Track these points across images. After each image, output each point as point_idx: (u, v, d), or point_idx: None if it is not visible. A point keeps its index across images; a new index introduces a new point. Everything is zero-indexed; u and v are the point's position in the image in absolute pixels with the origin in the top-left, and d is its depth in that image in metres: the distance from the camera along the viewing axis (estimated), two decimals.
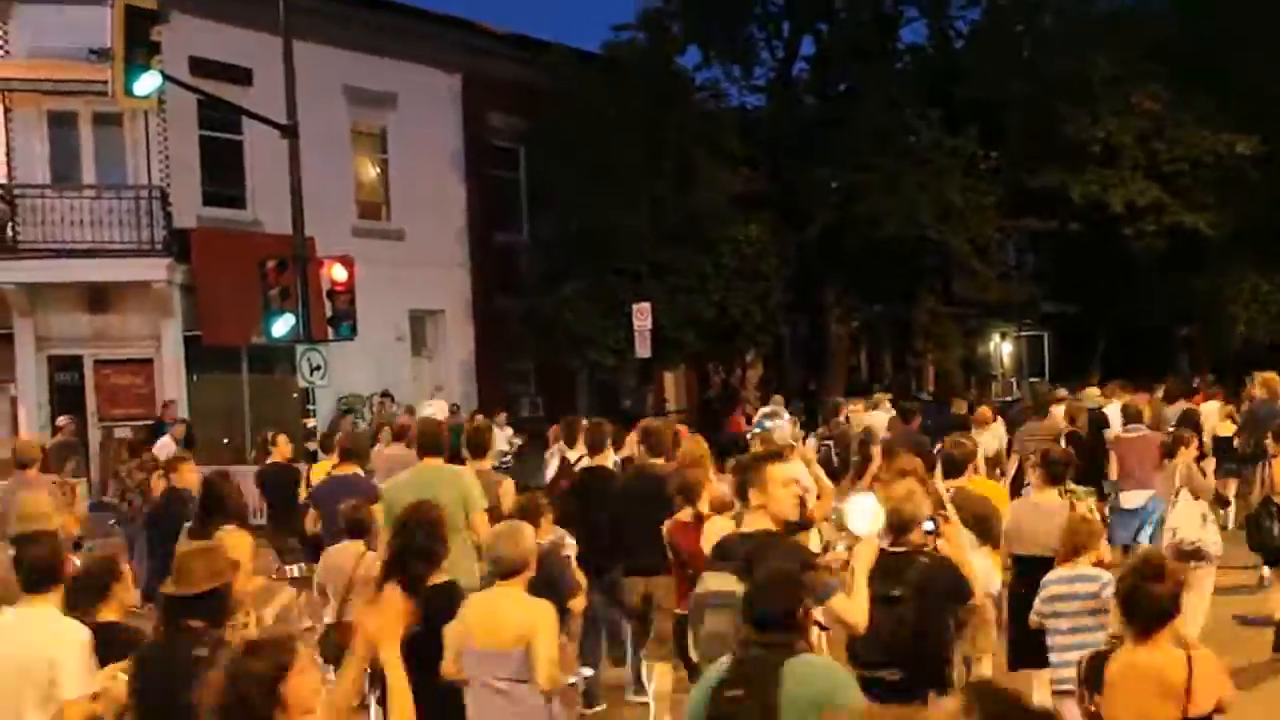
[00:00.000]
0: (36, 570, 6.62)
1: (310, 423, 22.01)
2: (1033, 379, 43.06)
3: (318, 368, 21.64)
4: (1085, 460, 14.18)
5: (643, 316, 28.14)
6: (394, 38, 30.75)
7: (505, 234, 33.80)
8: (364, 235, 29.14)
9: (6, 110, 25.26)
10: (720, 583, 6.76)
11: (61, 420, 23.77)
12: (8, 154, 25.25)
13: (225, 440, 25.52)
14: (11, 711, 6.29)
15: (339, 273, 21.33)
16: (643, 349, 28.35)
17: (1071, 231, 39.89)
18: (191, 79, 23.52)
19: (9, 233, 24.89)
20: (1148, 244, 39.44)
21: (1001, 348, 50.54)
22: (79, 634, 6.32)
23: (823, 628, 7.32)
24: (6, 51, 25.31)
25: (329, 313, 21.51)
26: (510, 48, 33.95)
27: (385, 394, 28.24)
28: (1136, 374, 29.15)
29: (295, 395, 22.93)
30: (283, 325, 20.92)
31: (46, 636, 6.38)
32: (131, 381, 26.59)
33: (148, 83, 18.90)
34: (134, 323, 26.34)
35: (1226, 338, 45.38)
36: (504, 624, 6.87)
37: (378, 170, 31.64)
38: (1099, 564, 8.59)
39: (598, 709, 11.35)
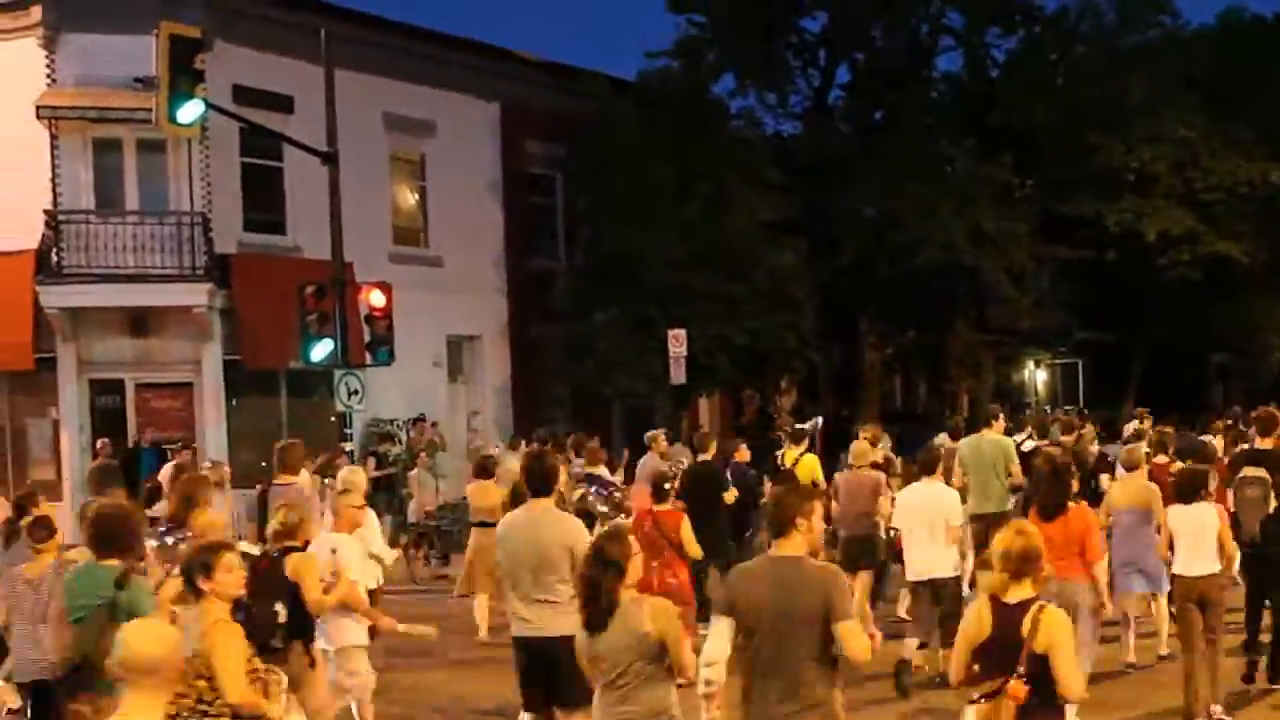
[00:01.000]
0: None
1: (348, 446, 22.12)
2: (1067, 407, 42.93)
3: (355, 392, 21.81)
4: None
5: (678, 343, 28.24)
6: (433, 66, 30.93)
7: (542, 260, 33.91)
8: (402, 261, 29.30)
9: (53, 137, 25.52)
10: (1254, 472, 12.71)
11: (100, 443, 24.05)
12: (53, 180, 25.51)
13: (263, 463, 25.59)
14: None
15: (377, 298, 21.52)
16: (678, 375, 28.44)
17: (1106, 259, 39.82)
18: (234, 107, 23.82)
19: (54, 258, 25.16)
20: (1182, 273, 39.36)
21: (1035, 375, 50.40)
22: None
23: None
24: (53, 80, 25.59)
25: (367, 338, 21.70)
26: (548, 76, 34.11)
27: (420, 418, 28.31)
28: (1171, 402, 29.11)
29: (333, 419, 23.05)
30: (321, 350, 21.10)
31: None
32: (171, 405, 26.80)
33: (191, 110, 19.15)
34: (175, 347, 26.56)
35: (1262, 366, 45.22)
36: (1138, 495, 13.16)
37: (416, 197, 31.79)
38: None
39: None
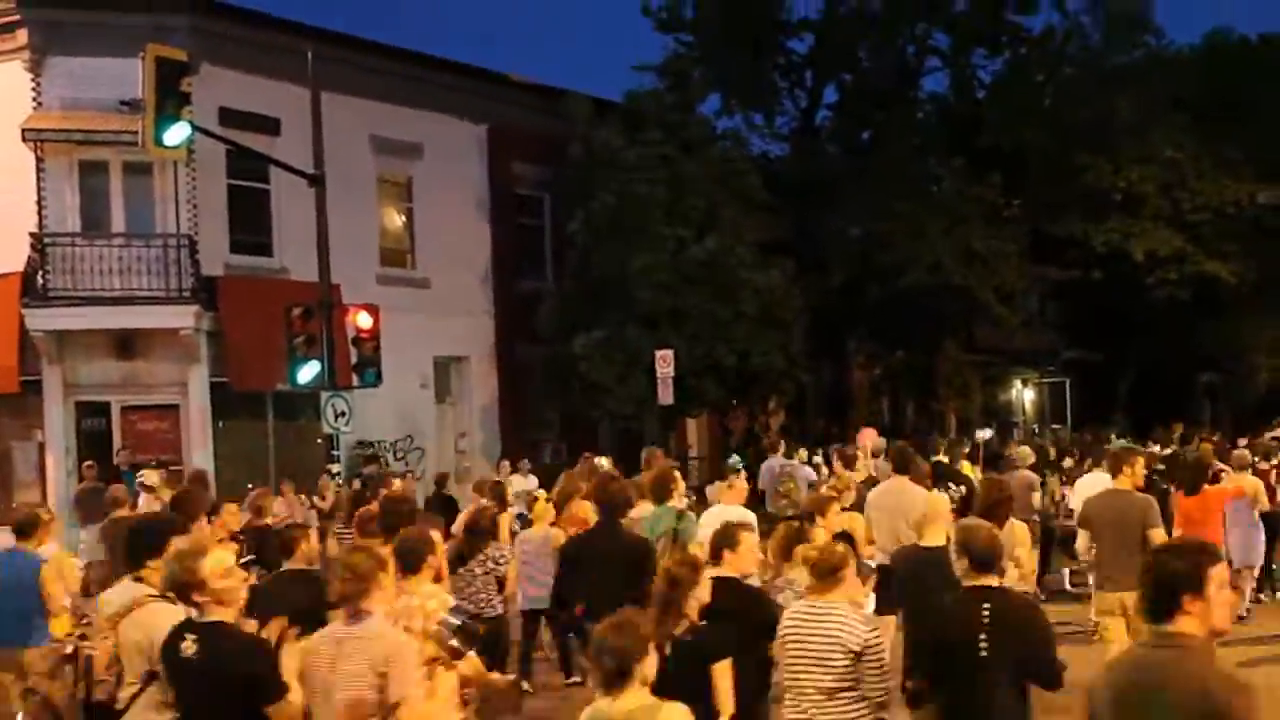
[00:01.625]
0: None
1: (335, 469, 22.09)
2: (1055, 426, 42.95)
3: (342, 414, 21.79)
4: None
5: (665, 364, 28.24)
6: (420, 88, 30.89)
7: (529, 281, 33.82)
8: (389, 283, 29.21)
9: (39, 160, 25.46)
10: None
11: (85, 466, 23.94)
12: (39, 202, 25.45)
13: (250, 485, 25.55)
14: None
15: (364, 320, 21.53)
16: (665, 396, 28.43)
17: (1094, 279, 39.92)
18: (220, 129, 23.75)
19: (39, 280, 25.10)
20: (1170, 292, 39.47)
21: (1023, 394, 50.45)
22: None
23: None
24: (39, 103, 25.55)
25: (354, 359, 21.70)
26: (535, 98, 34.04)
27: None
28: (1158, 421, 29.15)
29: (320, 441, 23.01)
30: (308, 372, 21.10)
31: None
32: (158, 427, 26.70)
33: (177, 133, 19.18)
34: (161, 369, 26.47)
35: (1249, 385, 45.32)
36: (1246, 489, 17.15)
37: (403, 219, 31.72)
38: None
39: None
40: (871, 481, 17.11)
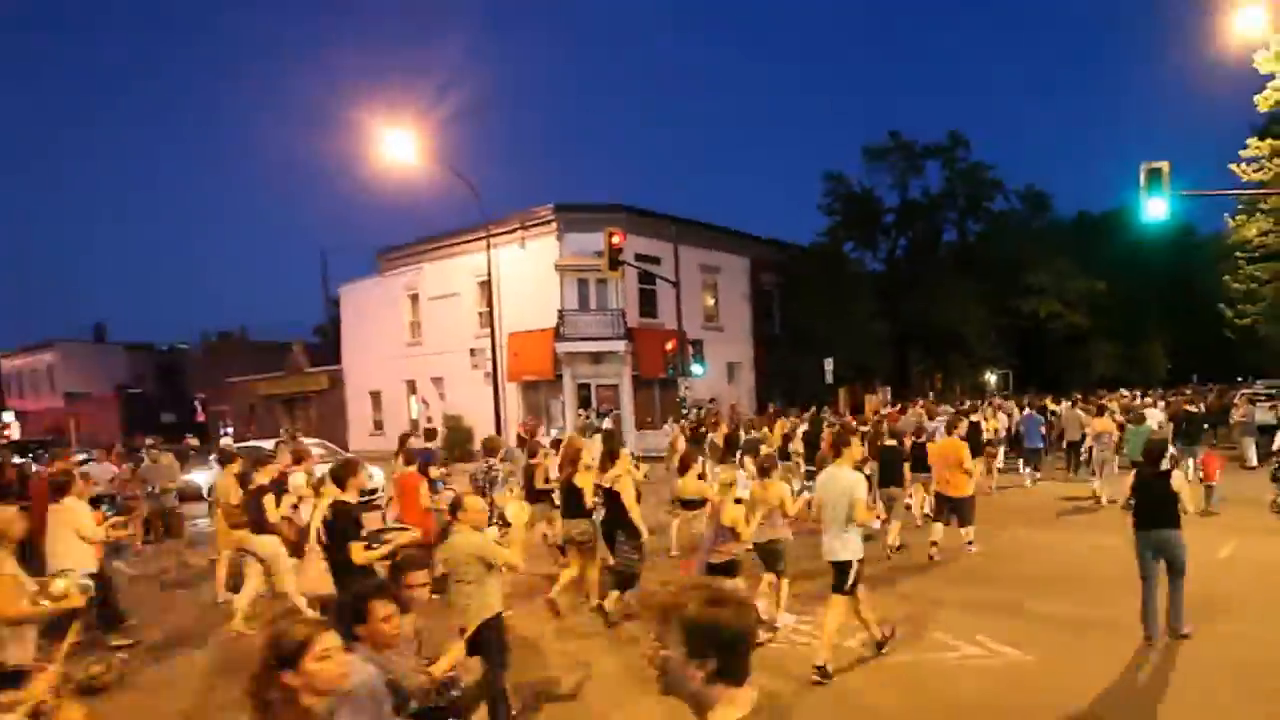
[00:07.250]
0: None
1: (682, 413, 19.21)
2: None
3: (688, 388, 18.92)
4: None
5: (827, 368, 24.35)
6: (720, 239, 27.74)
7: (768, 330, 29.83)
8: (707, 329, 26.19)
9: (561, 279, 23.54)
10: None
11: (579, 413, 21.79)
12: (561, 296, 23.48)
13: (648, 419, 23.10)
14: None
15: (692, 346, 18.66)
16: (828, 379, 24.62)
17: (1026, 326, 33.67)
18: (636, 261, 21.34)
19: (560, 330, 23.01)
20: (1062, 328, 32.75)
21: (989, 378, 43.20)
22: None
23: None
24: (560, 252, 23.79)
25: (691, 362, 18.82)
26: (770, 245, 30.23)
27: (712, 400, 24.96)
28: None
29: (677, 400, 20.08)
30: (678, 367, 18.33)
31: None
32: (606, 395, 24.20)
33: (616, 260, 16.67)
34: (610, 369, 23.86)
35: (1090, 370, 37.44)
36: None
37: (713, 300, 28.69)
38: None
39: None
40: None
